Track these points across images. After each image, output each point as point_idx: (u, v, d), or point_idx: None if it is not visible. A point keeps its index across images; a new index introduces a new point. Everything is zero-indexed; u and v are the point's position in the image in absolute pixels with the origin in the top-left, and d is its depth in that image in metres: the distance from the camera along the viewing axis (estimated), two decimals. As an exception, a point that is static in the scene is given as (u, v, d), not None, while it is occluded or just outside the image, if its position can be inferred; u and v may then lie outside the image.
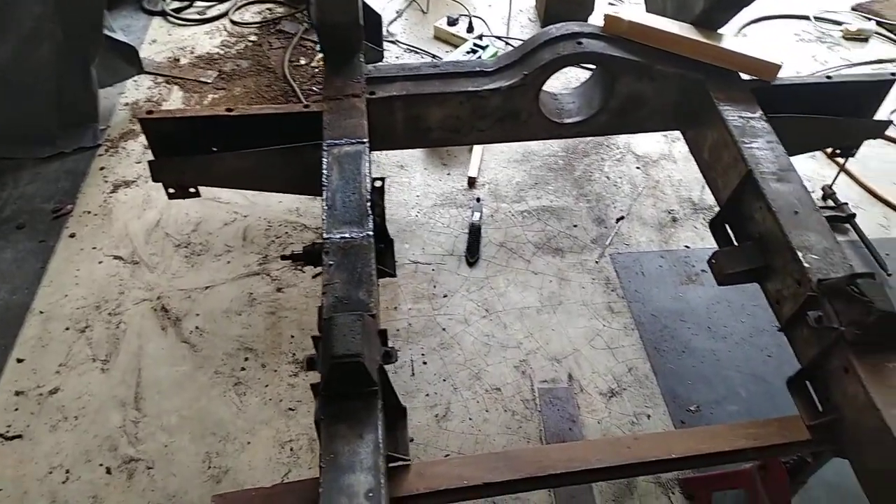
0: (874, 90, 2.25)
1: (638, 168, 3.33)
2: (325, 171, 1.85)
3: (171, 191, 2.19)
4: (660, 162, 3.36)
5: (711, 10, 2.09)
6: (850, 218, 2.97)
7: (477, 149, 3.32)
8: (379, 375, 1.48)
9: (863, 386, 1.47)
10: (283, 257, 1.90)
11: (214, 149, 2.08)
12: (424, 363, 2.52)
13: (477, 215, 3.02)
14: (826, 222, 1.76)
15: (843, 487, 1.53)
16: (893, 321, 1.48)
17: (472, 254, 2.89)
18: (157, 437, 2.29)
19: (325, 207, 1.77)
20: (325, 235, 1.71)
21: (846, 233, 3.00)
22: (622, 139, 3.46)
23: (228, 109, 2.02)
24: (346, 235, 1.72)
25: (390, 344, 2.46)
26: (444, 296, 2.75)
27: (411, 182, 3.23)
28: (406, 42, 4.03)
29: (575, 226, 3.05)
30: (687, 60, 2.12)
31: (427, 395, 2.43)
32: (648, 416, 2.39)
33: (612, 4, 2.12)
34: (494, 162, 3.34)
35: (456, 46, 3.80)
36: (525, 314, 2.70)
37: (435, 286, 2.79)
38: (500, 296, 2.76)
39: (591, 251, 2.94)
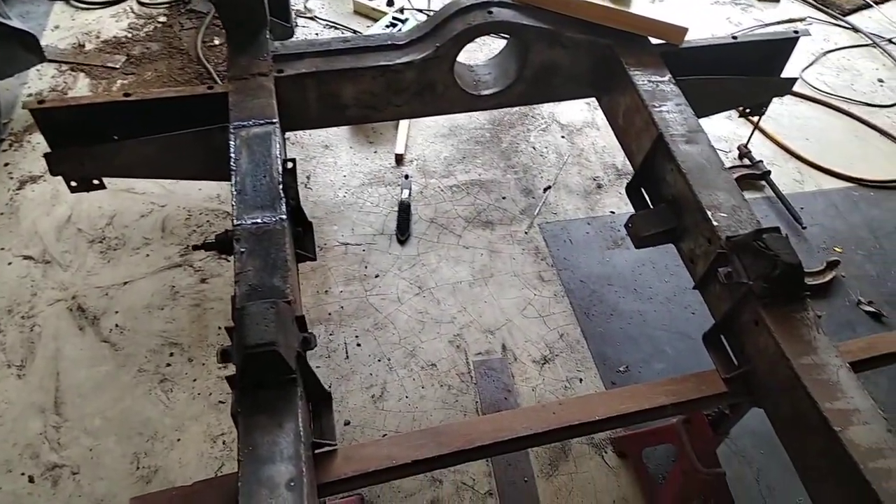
0: (779, 48, 2.31)
1: (563, 137, 3.35)
2: (232, 155, 1.78)
3: (73, 184, 2.08)
4: (584, 130, 3.39)
5: (618, -25, 2.09)
6: (766, 175, 3.07)
7: (403, 125, 3.27)
8: (298, 363, 1.44)
9: (772, 337, 1.52)
10: (195, 247, 1.83)
11: (116, 137, 1.97)
12: (358, 345, 2.50)
13: (406, 192, 2.98)
14: (734, 180, 1.80)
15: (769, 434, 1.59)
16: (798, 273, 1.53)
17: (403, 232, 2.86)
18: (80, 441, 2.20)
19: (235, 192, 1.71)
20: (235, 222, 1.65)
21: (762, 189, 3.10)
22: (546, 109, 3.47)
23: (126, 94, 1.92)
24: (258, 220, 1.66)
25: (322, 329, 2.43)
26: (376, 276, 2.72)
27: (337, 162, 3.17)
28: (325, 18, 3.92)
29: (504, 198, 3.05)
30: (597, 27, 2.12)
31: (362, 376, 2.41)
32: (580, 380, 2.44)
33: (521, -29, 2.09)
34: (421, 137, 3.30)
35: (376, 20, 3.72)
36: (458, 289, 2.70)
37: (366, 267, 2.75)
38: (433, 272, 2.75)
39: (521, 222, 2.96)
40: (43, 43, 3.38)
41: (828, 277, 2.72)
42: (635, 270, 2.75)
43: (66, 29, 3.76)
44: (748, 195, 3.08)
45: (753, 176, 3.07)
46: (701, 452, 1.90)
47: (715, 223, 1.67)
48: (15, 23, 3.13)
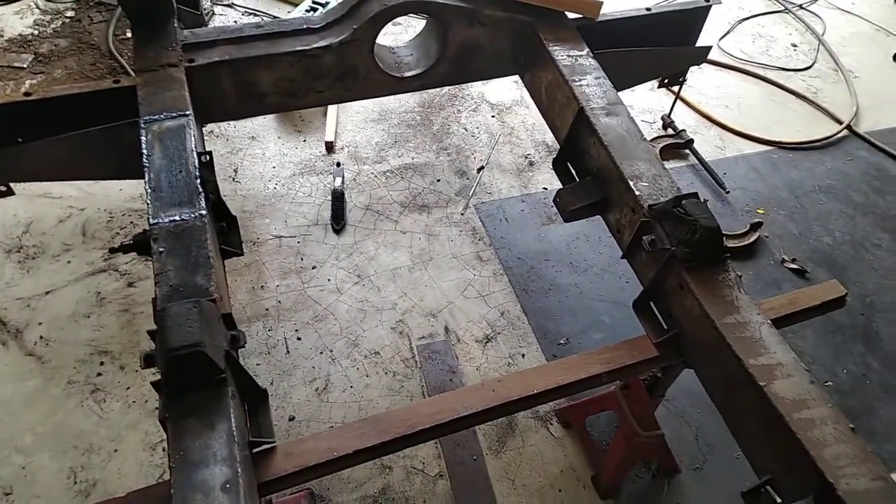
0: (692, 18, 2.36)
1: (493, 117, 3.36)
2: (144, 151, 1.70)
3: (-22, 192, 1.96)
4: (513, 108, 3.40)
5: (532, -50, 2.09)
6: (689, 143, 3.15)
7: (331, 112, 3.21)
8: (227, 362, 1.40)
9: (696, 300, 1.56)
10: (112, 250, 1.75)
11: (20, 140, 1.86)
12: (299, 339, 2.46)
13: (339, 181, 2.93)
14: (654, 150, 1.83)
15: (705, 393, 1.65)
16: (717, 236, 1.58)
17: (338, 220, 2.82)
18: (12, 459, 2.10)
19: (149, 190, 1.64)
20: (151, 221, 1.58)
21: (687, 158, 3.18)
22: (475, 89, 3.47)
23: (27, 94, 1.81)
24: (177, 218, 1.60)
25: (260, 325, 2.37)
26: (313, 267, 2.68)
27: (265, 153, 3.09)
28: (242, 5, 3.80)
29: (438, 180, 3.04)
30: (515, 4, 2.12)
31: (305, 370, 2.38)
32: (523, 356, 2.47)
33: (436, -51, 2.07)
34: (351, 124, 3.25)
35: (296, 5, 3.62)
36: (397, 274, 2.68)
37: (302, 259, 2.70)
38: (371, 259, 2.72)
39: (457, 204, 2.95)
40: (-62, 45, 3.19)
41: (752, 238, 2.82)
42: (570, 244, 2.79)
43: (-36, 28, 3.53)
44: (673, 164, 3.17)
45: (677, 145, 3.15)
46: (640, 416, 1.95)
47: (637, 192, 1.70)
48: None
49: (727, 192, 3.02)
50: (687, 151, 3.16)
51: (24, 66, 3.32)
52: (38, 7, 3.69)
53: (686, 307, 1.61)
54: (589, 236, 2.80)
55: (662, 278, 1.65)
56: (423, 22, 2.31)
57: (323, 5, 3.39)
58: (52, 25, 3.58)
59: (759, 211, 3.01)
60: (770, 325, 1.55)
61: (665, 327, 1.69)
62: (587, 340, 2.48)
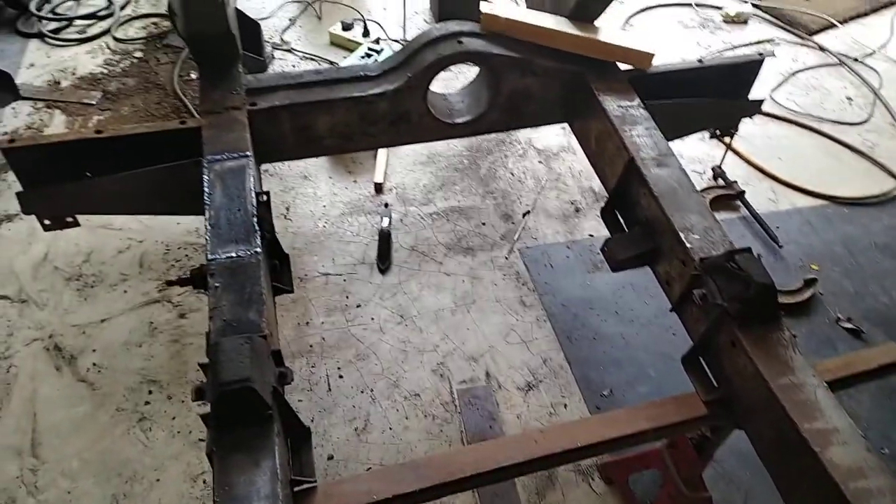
0: (745, 71, 2.36)
1: (540, 162, 3.38)
2: (206, 189, 1.77)
3: (47, 222, 2.06)
4: (560, 154, 3.42)
5: (585, 3, 2.13)
6: (741, 195, 3.10)
7: (382, 154, 3.28)
8: (274, 399, 1.43)
9: (749, 358, 1.53)
10: (169, 282, 1.81)
11: (89, 174, 1.96)
12: (341, 377, 2.47)
13: (386, 221, 2.98)
14: (705, 203, 1.82)
15: (755, 455, 1.59)
16: (771, 293, 1.54)
17: (384, 260, 2.86)
18: (58, 483, 2.15)
19: (209, 227, 1.70)
20: (209, 256, 1.64)
21: (738, 209, 3.14)
22: (523, 135, 3.51)
23: (98, 131, 1.91)
24: (233, 255, 1.65)
25: (304, 361, 2.40)
26: (358, 305, 2.71)
27: (317, 192, 3.17)
28: (301, 49, 3.94)
29: (483, 224, 3.06)
30: (566, 54, 2.16)
31: (345, 409, 2.39)
32: (565, 406, 2.43)
33: (489, 2, 2.13)
34: (400, 166, 3.32)
35: (352, 51, 3.75)
36: (440, 316, 2.69)
37: (347, 297, 2.74)
38: (415, 300, 2.74)
39: (501, 248, 2.96)
40: (18, 81, 3.40)
41: (806, 295, 2.74)
42: (616, 293, 2.76)
43: (42, 66, 3.76)
44: (724, 216, 3.12)
45: (728, 196, 3.11)
46: (686, 476, 1.89)
47: (688, 245, 1.69)
48: (-11, 62, 3.13)
49: (780, 247, 2.96)
50: (738, 203, 3.12)
51: (93, 102, 3.50)
52: (108, 48, 3.91)
53: (738, 366, 1.57)
54: (635, 286, 2.77)
55: (713, 334, 1.62)
56: (475, 68, 2.36)
57: (378, 52, 3.50)
58: (121, 65, 3.77)
59: (814, 267, 2.93)
60: (826, 387, 1.50)
61: (715, 385, 1.65)
62: (632, 393, 2.43)
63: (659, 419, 1.63)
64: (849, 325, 2.71)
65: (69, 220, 2.07)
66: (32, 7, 4.03)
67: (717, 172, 3.22)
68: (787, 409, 1.43)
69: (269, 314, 1.59)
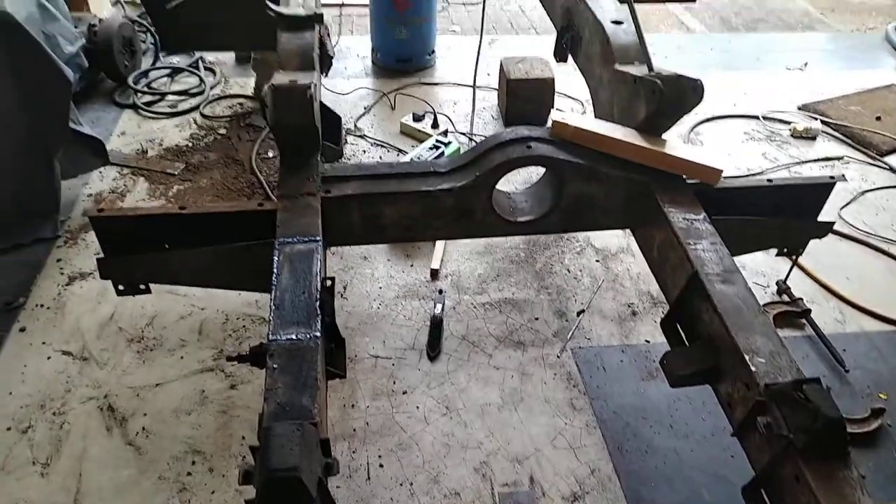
0: (815, 193, 2.34)
1: (597, 261, 3.37)
2: (275, 270, 1.83)
3: (121, 288, 2.16)
4: (618, 255, 3.41)
5: (654, 117, 2.18)
6: (806, 313, 3.01)
7: (440, 241, 3.35)
8: (318, 490, 1.42)
9: (814, 496, 1.44)
10: (229, 358, 1.85)
11: (166, 245, 2.07)
12: (381, 466, 2.43)
13: (439, 308, 3.01)
14: (772, 324, 1.77)
15: None
16: (840, 428, 1.47)
17: (434, 348, 2.86)
18: (94, 548, 2.15)
19: (273, 308, 1.75)
20: (270, 337, 1.68)
21: (803, 328, 3.03)
22: (581, 233, 3.52)
23: (181, 207, 2.03)
24: (293, 337, 1.69)
25: (346, 445, 2.39)
26: (404, 392, 2.69)
27: (374, 273, 3.23)
28: (373, 136, 4.13)
29: (536, 318, 3.04)
30: (632, 164, 2.19)
31: (383, 500, 2.33)
32: (611, 522, 2.31)
33: (560, 110, 2.21)
34: (457, 254, 3.36)
35: (421, 141, 3.91)
36: (486, 412, 2.64)
37: (395, 382, 2.73)
38: (461, 392, 2.71)
39: (553, 345, 2.93)
40: (108, 147, 3.65)
41: (873, 426, 2.59)
42: (671, 405, 2.67)
43: (132, 135, 4.04)
44: (788, 333, 3.02)
45: (793, 314, 3.02)
46: None
47: (753, 368, 1.63)
48: (85, 129, 3.39)
49: (846, 371, 2.83)
50: (803, 321, 3.02)
51: (175, 173, 3.72)
52: (195, 123, 4.19)
53: (802, 503, 1.48)
54: (692, 399, 2.67)
55: (777, 466, 1.54)
56: (539, 169, 2.42)
57: (446, 144, 3.64)
58: (205, 140, 4.02)
59: (881, 396, 2.78)
60: (899, 537, 1.39)
61: (777, 521, 1.56)
62: (683, 515, 2.30)
63: (715, 553, 1.53)
64: (922, 463, 2.53)
65: (142, 287, 2.16)
66: (130, 80, 4.39)
67: (782, 288, 3.14)
68: (856, 559, 1.33)
69: (321, 400, 1.61)
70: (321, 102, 2.28)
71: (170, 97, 4.40)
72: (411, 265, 3.29)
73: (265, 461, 1.37)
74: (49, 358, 2.70)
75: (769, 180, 2.29)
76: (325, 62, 2.49)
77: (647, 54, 2.20)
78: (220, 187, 3.62)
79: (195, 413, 2.52)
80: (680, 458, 2.48)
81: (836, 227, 3.53)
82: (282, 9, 2.40)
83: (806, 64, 5.36)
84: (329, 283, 1.83)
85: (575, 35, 2.83)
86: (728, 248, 1.98)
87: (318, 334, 1.70)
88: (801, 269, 3.32)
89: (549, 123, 2.25)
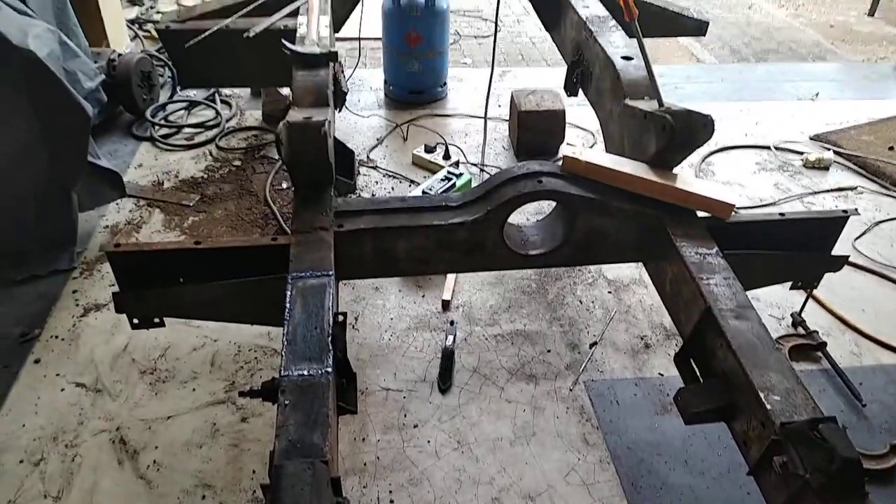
0: (828, 227, 2.33)
1: (610, 293, 3.36)
2: (287, 305, 1.85)
3: (136, 321, 2.17)
4: (631, 286, 3.40)
5: (664, 152, 2.19)
6: (822, 346, 2.97)
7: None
8: (329, 530, 1.41)
9: (833, 537, 1.42)
10: (241, 394, 1.86)
11: (181, 280, 2.09)
12: (392, 502, 2.41)
13: (450, 339, 3.00)
14: (787, 361, 1.75)
15: None
16: (857, 469, 1.45)
17: (445, 380, 2.85)
18: (101, 584, 2.14)
19: (286, 343, 1.75)
20: (282, 372, 1.68)
21: (819, 361, 2.99)
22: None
23: (196, 242, 2.05)
24: (305, 373, 1.69)
25: (356, 480, 2.37)
26: (415, 426, 2.68)
27: (386, 304, 3.24)
28: (386, 168, 4.17)
29: (548, 351, 3.03)
30: (644, 198, 2.20)
31: (393, 536, 2.31)
32: (626, 560, 2.27)
33: (571, 144, 2.22)
34: (469, 285, 3.37)
35: (433, 172, 3.94)
36: (498, 446, 2.62)
37: (406, 415, 2.72)
38: (473, 426, 2.69)
39: (565, 378, 2.91)
40: (125, 179, 3.70)
41: (891, 462, 2.54)
42: (686, 440, 2.63)
43: (149, 167, 4.10)
44: (804, 367, 2.98)
45: (809, 347, 2.98)
46: None
47: (768, 407, 1.61)
48: (103, 162, 3.45)
49: (863, 405, 2.78)
50: (819, 354, 2.98)
51: (190, 204, 3.77)
52: (211, 155, 4.25)
53: (821, 545, 1.45)
54: (707, 434, 2.64)
55: (794, 507, 1.52)
56: (551, 203, 2.43)
57: (458, 175, 3.66)
58: (221, 171, 4.08)
59: (902, 430, 2.72)
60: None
61: (796, 563, 1.53)
62: (700, 554, 2.26)
63: None
64: (945, 502, 2.47)
65: (156, 320, 2.18)
66: (148, 114, 4.47)
67: (797, 321, 3.11)
68: None
69: (331, 437, 1.60)
70: (335, 138, 2.31)
71: (187, 130, 4.47)
72: (423, 296, 3.29)
73: (276, 501, 1.37)
74: (63, 390, 2.71)
75: (782, 214, 2.28)
76: (339, 98, 2.53)
77: (657, 90, 2.22)
78: (235, 218, 3.66)
79: (206, 446, 2.52)
80: (696, 496, 2.44)
81: (851, 259, 3.50)
82: (297, 47, 2.45)
83: (817, 94, 5.37)
84: (341, 317, 1.84)
85: (585, 70, 2.87)
86: (741, 283, 1.98)
87: (329, 370, 1.70)
88: (817, 301, 3.29)
89: (560, 155, 2.27)
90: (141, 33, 5.79)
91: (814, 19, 7.53)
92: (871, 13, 7.60)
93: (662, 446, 2.61)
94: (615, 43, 2.66)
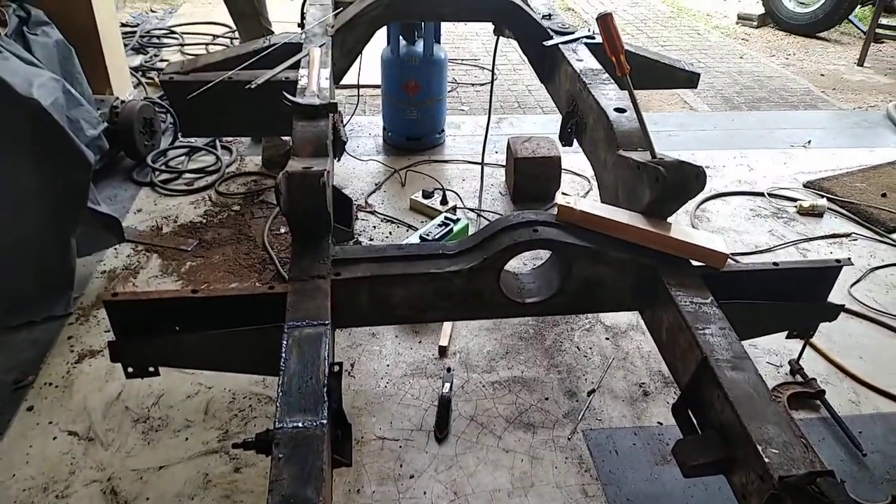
0: (822, 276, 2.34)
1: (607, 339, 3.36)
2: (283, 355, 1.84)
3: (130, 370, 2.16)
4: (628, 333, 3.40)
5: (658, 201, 2.22)
6: (821, 394, 2.95)
7: (449, 318, 3.35)
8: (321, 589, 1.38)
9: None
10: (235, 445, 1.83)
11: (177, 328, 2.09)
12: (387, 556, 2.37)
13: (447, 386, 2.98)
14: (785, 413, 1.75)
15: None
16: (859, 526, 1.43)
17: (442, 429, 2.82)
18: None
19: (280, 393, 1.74)
20: (276, 424, 1.67)
21: (818, 409, 2.97)
22: (591, 310, 3.52)
23: (194, 291, 2.06)
24: (300, 424, 1.67)
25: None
26: (411, 476, 2.64)
27: (382, 350, 3.22)
28: (384, 212, 4.21)
29: (546, 399, 3.00)
30: (639, 247, 2.22)
31: (388, 592, 2.25)
32: None
33: (566, 194, 2.26)
34: (466, 330, 3.36)
35: (431, 217, 3.97)
36: (496, 498, 2.57)
37: (401, 465, 2.68)
38: (470, 476, 2.65)
39: (563, 426, 2.88)
40: (124, 224, 3.73)
41: (897, 515, 2.50)
42: (686, 491, 2.59)
43: (148, 212, 4.13)
44: (802, 415, 2.96)
45: (807, 394, 2.97)
46: None
47: (766, 460, 1.60)
48: (102, 208, 3.48)
49: (864, 455, 2.75)
50: (818, 402, 2.96)
51: (188, 249, 3.79)
52: (210, 200, 4.29)
53: None
54: (708, 485, 2.60)
55: (796, 565, 1.49)
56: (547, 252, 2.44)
57: (455, 221, 3.69)
58: (219, 216, 4.11)
59: (904, 481, 2.69)
60: None
61: None
62: None
63: None
64: (950, 556, 2.42)
65: (151, 369, 2.17)
66: (149, 160, 4.53)
67: (795, 368, 3.10)
68: None
69: (325, 491, 1.58)
70: (334, 186, 2.34)
71: (187, 175, 4.52)
72: (419, 342, 3.28)
73: (268, 559, 1.34)
74: (55, 438, 2.68)
75: (775, 264, 2.30)
76: (339, 148, 2.57)
77: (649, 141, 2.26)
78: (233, 263, 3.67)
79: (198, 497, 2.47)
80: (696, 550, 2.39)
81: (847, 305, 3.51)
82: (298, 99, 2.50)
83: (809, 141, 5.47)
84: (337, 368, 1.84)
85: (580, 120, 2.92)
86: (737, 333, 1.98)
87: (324, 421, 1.69)
88: (814, 348, 3.28)
89: (555, 202, 2.30)
90: (144, 80, 5.90)
91: (804, 68, 7.71)
92: (861, 62, 7.79)
93: (662, 498, 2.57)
94: (608, 95, 2.72)
